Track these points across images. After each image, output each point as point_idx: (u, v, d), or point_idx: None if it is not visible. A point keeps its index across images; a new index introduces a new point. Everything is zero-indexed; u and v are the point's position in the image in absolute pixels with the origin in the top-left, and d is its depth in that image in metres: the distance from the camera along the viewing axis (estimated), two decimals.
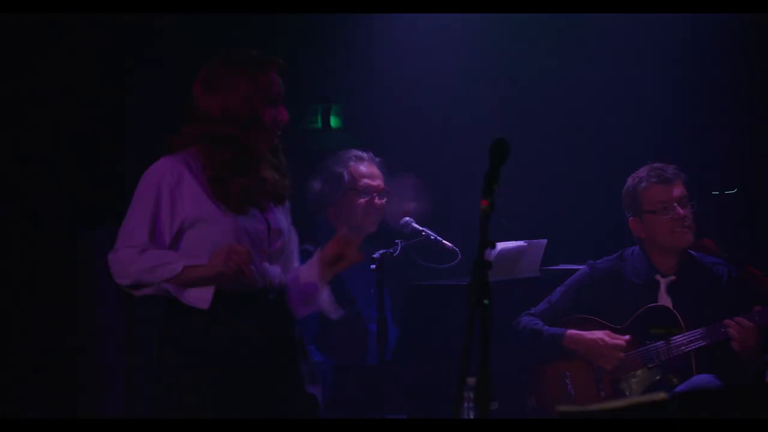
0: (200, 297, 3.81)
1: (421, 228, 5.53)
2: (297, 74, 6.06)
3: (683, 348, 4.83)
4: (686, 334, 4.82)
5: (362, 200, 5.45)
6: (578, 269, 5.23)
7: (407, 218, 5.58)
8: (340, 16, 5.79)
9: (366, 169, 5.49)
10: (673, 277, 5.01)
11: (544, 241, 5.60)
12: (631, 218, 5.04)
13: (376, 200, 5.49)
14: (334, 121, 6.46)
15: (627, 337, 4.93)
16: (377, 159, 5.55)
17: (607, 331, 4.96)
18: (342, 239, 3.97)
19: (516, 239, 5.50)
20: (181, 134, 3.90)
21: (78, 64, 5.32)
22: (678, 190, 4.96)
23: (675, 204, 4.94)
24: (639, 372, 4.94)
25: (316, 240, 5.26)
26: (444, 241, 5.50)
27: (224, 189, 3.82)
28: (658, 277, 5.02)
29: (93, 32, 5.28)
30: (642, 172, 5.04)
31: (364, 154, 5.52)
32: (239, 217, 3.85)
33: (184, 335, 3.85)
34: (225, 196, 3.81)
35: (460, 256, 5.48)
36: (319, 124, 6.47)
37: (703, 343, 4.80)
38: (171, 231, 3.81)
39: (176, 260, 3.76)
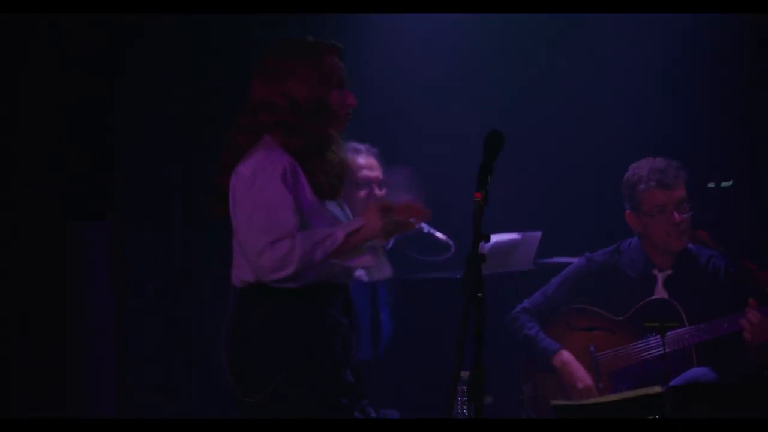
0: (366, 261, 3.74)
1: (413, 220, 5.52)
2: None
3: (682, 342, 4.83)
4: (686, 328, 4.83)
5: (362, 192, 5.45)
6: (573, 262, 5.23)
7: None
8: (331, 23, 5.79)
9: (364, 160, 5.48)
10: (669, 272, 5.01)
11: (539, 234, 5.61)
12: (628, 211, 5.05)
13: (376, 191, 5.49)
14: None
15: (601, 386, 4.95)
16: (374, 150, 5.54)
17: (591, 386, 4.94)
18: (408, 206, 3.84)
19: (510, 232, 5.51)
20: (246, 126, 3.77)
21: (68, 58, 5.32)
22: (677, 194, 4.94)
23: (673, 209, 4.93)
24: (637, 365, 4.95)
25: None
26: (437, 233, 5.50)
27: (316, 179, 3.73)
28: (655, 271, 5.03)
29: (83, 26, 5.27)
30: (643, 168, 4.99)
31: (361, 146, 5.51)
32: (329, 205, 3.79)
33: (289, 326, 3.70)
34: (318, 186, 3.73)
35: (453, 249, 5.49)
36: None
37: (704, 338, 4.80)
38: (300, 219, 3.71)
39: (334, 232, 3.66)
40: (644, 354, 4.93)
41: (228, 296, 3.77)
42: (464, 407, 3.93)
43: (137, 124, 5.56)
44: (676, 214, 4.92)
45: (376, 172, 5.48)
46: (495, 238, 5.22)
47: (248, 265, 3.67)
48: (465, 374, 3.28)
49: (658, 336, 4.81)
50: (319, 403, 3.65)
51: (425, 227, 5.51)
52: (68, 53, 5.32)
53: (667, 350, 4.64)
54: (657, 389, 4.07)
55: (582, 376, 4.95)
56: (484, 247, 3.33)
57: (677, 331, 4.82)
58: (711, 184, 5.55)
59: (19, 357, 5.13)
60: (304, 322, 3.69)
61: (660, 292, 4.98)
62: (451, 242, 5.51)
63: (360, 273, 4.11)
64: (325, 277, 3.70)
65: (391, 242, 5.21)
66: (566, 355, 4.99)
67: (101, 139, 5.43)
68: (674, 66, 5.93)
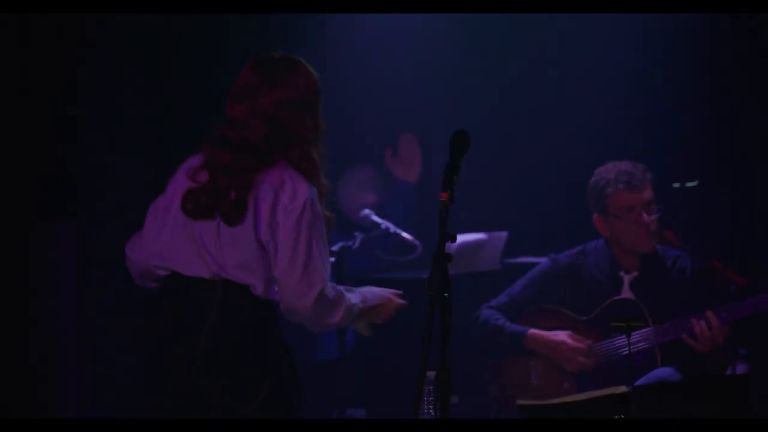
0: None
1: (380, 221, 5.53)
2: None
3: (646, 342, 4.86)
4: (650, 328, 4.86)
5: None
6: (539, 262, 5.25)
7: (366, 210, 5.58)
8: (302, 16, 5.77)
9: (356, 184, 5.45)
10: (636, 273, 5.04)
11: (505, 234, 5.63)
12: (596, 215, 5.05)
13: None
14: None
15: (589, 341, 4.97)
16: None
17: (570, 333, 5.00)
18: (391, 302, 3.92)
19: (476, 231, 5.52)
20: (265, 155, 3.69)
21: (30, 53, 5.29)
22: (645, 196, 4.95)
23: (641, 210, 4.95)
24: (602, 365, 4.97)
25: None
26: (404, 233, 5.50)
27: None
28: (621, 273, 5.05)
29: (44, 21, 5.24)
30: (610, 172, 5.00)
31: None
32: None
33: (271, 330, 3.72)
34: (327, 221, 3.74)
35: (420, 249, 5.50)
36: None
37: (667, 338, 4.83)
38: None
39: (354, 294, 3.73)
40: (609, 354, 4.96)
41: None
42: (430, 407, 3.93)
43: (99, 122, 5.54)
44: (644, 215, 4.94)
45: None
46: (461, 237, 5.23)
47: (288, 298, 3.62)
48: (431, 374, 3.29)
49: (623, 336, 4.84)
50: (299, 405, 3.70)
51: (392, 227, 5.51)
52: (30, 49, 5.28)
53: (633, 350, 4.67)
54: (623, 389, 4.09)
55: (561, 337, 4.96)
56: (451, 247, 3.34)
57: (641, 331, 4.85)
58: (676, 185, 5.59)
59: None
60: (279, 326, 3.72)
61: (627, 294, 5.00)
62: (417, 242, 5.52)
63: None
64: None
65: (358, 241, 5.24)
66: (536, 332, 5.01)
67: (67, 137, 5.40)
68: (642, 67, 5.96)
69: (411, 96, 6.12)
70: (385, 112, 6.14)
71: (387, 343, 5.24)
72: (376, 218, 5.53)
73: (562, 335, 4.99)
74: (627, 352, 4.81)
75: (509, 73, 6.12)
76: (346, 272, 5.06)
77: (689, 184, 5.65)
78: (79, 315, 5.21)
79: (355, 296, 3.72)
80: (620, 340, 4.92)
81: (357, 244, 5.29)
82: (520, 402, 4.35)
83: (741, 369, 4.87)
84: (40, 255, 5.25)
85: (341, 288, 3.68)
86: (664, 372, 4.77)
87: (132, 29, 5.56)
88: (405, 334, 5.01)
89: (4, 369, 5.11)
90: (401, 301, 3.83)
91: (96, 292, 5.39)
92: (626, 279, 5.03)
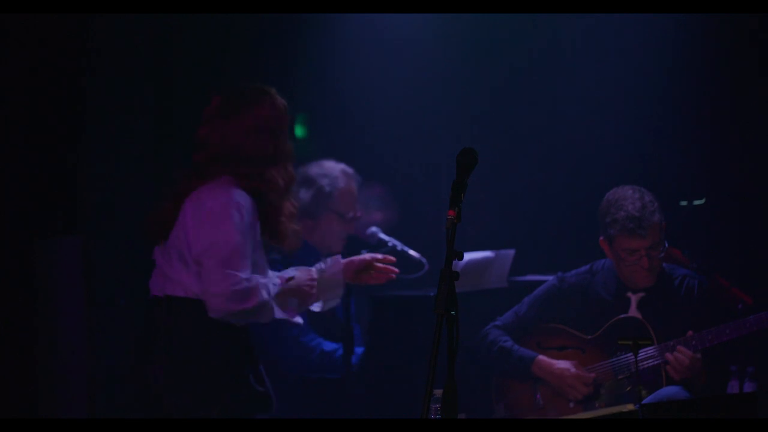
0: (291, 312, 4.17)
1: (387, 238, 5.56)
2: (261, 83, 6.11)
3: (652, 360, 4.87)
4: (655, 346, 4.87)
5: (340, 227, 5.45)
6: (546, 281, 5.25)
7: (374, 228, 5.60)
8: (304, 26, 5.80)
9: (350, 192, 5.48)
10: (642, 293, 5.05)
11: (512, 252, 5.64)
12: (602, 239, 5.05)
13: (353, 226, 5.50)
14: (299, 131, 6.47)
15: (593, 375, 5.00)
16: (359, 177, 5.56)
17: (576, 362, 5.02)
18: (372, 258, 4.31)
19: (483, 249, 5.53)
20: (202, 165, 4.10)
21: (32, 68, 5.30)
22: (650, 241, 4.91)
23: (644, 254, 4.95)
24: (609, 383, 4.98)
25: (281, 250, 5.26)
26: (410, 251, 5.53)
27: (279, 236, 4.08)
28: (629, 293, 5.05)
29: (46, 34, 5.26)
30: (619, 210, 4.90)
31: (351, 171, 5.52)
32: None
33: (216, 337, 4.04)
34: (281, 233, 4.10)
35: (426, 267, 5.52)
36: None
37: (652, 363, 4.86)
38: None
39: (274, 280, 4.07)
40: (615, 372, 4.97)
41: None
42: None
43: (105, 140, 5.56)
44: (645, 260, 4.92)
45: (356, 207, 5.53)
46: (468, 255, 5.25)
47: (205, 292, 3.97)
48: (438, 392, 3.31)
49: (629, 354, 4.84)
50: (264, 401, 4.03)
51: (399, 245, 5.53)
52: (32, 64, 5.30)
53: (637, 369, 4.68)
54: (630, 407, 4.10)
55: (566, 365, 4.99)
56: (458, 265, 3.37)
57: (645, 349, 4.86)
58: (684, 202, 5.58)
59: None
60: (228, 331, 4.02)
61: (634, 313, 5.01)
62: (424, 260, 5.54)
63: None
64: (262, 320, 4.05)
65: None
66: (544, 360, 5.03)
67: (71, 154, 5.42)
68: (650, 80, 5.95)
69: (421, 113, 6.13)
70: (394, 131, 6.16)
71: (393, 361, 5.25)
72: (383, 236, 5.56)
73: (567, 363, 5.01)
74: (633, 370, 4.82)
75: (517, 88, 6.12)
76: (354, 289, 5.08)
77: (696, 202, 5.65)
78: (84, 329, 5.24)
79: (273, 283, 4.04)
80: (626, 359, 4.93)
81: None
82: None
83: (749, 387, 4.87)
84: (44, 271, 5.28)
85: (259, 278, 3.97)
86: (671, 390, 4.78)
87: (137, 41, 5.58)
88: (411, 352, 5.03)
89: (10, 388, 5.14)
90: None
91: (100, 307, 5.41)
92: (633, 299, 5.04)
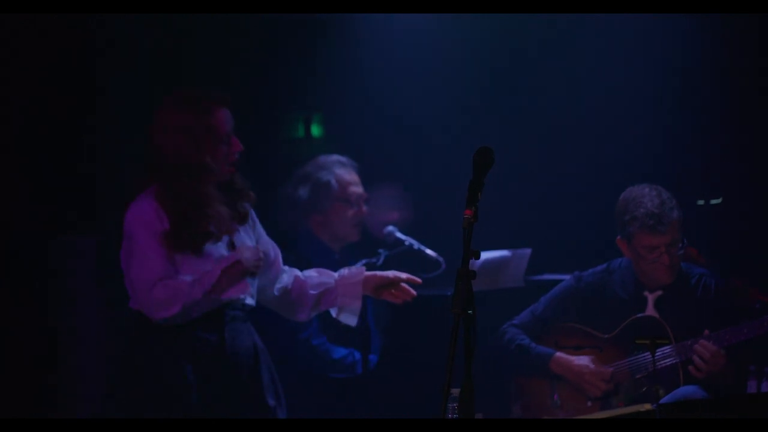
0: (239, 289, 4.13)
1: (404, 237, 5.57)
2: (278, 83, 6.12)
3: (669, 360, 4.87)
4: (673, 345, 4.87)
5: (351, 211, 5.46)
6: (563, 279, 5.26)
7: (390, 227, 5.61)
8: (321, 25, 5.80)
9: (350, 176, 5.51)
10: (660, 292, 5.05)
11: (529, 251, 5.64)
12: (619, 238, 5.05)
13: (363, 209, 5.51)
14: (315, 130, 6.47)
15: (610, 369, 5.00)
16: (355, 164, 5.57)
17: (593, 358, 5.02)
18: (395, 278, 4.32)
19: (500, 248, 5.53)
20: (143, 177, 4.18)
21: (49, 65, 5.33)
22: (670, 238, 4.92)
23: (664, 251, 4.95)
24: (626, 383, 4.98)
25: (296, 251, 5.28)
26: (427, 250, 5.54)
27: (181, 242, 4.07)
28: (645, 292, 5.06)
29: (64, 33, 5.30)
30: (637, 208, 4.92)
31: (344, 159, 5.54)
32: (211, 248, 4.13)
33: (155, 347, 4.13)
34: (183, 246, 4.08)
35: (443, 266, 5.52)
36: (301, 133, 6.49)
37: (669, 362, 4.85)
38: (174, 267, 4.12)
39: (210, 269, 4.07)
40: (632, 372, 4.97)
41: None
42: None
43: (119, 138, 5.57)
44: (666, 257, 4.93)
45: (361, 189, 5.52)
46: (485, 254, 5.26)
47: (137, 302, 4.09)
48: (455, 391, 3.31)
49: (646, 353, 4.85)
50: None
51: (415, 244, 5.53)
52: (50, 64, 5.34)
53: (654, 368, 4.68)
54: (648, 406, 4.10)
55: (584, 362, 4.99)
56: (474, 264, 3.37)
57: (662, 349, 4.86)
58: (701, 201, 5.57)
59: (3, 371, 5.15)
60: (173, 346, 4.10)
61: (651, 313, 5.01)
62: (441, 259, 5.54)
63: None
64: (206, 311, 4.08)
65: (382, 258, 5.28)
66: (562, 356, 5.04)
67: (82, 153, 5.44)
68: (667, 79, 5.94)
69: (436, 112, 6.13)
70: (408, 130, 6.16)
71: (410, 360, 5.25)
72: (400, 235, 5.56)
73: (585, 359, 5.02)
74: (650, 369, 4.83)
75: (532, 84, 6.12)
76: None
77: (713, 201, 5.64)
78: (100, 328, 5.27)
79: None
80: (643, 358, 4.93)
81: (381, 261, 5.32)
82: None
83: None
84: (60, 270, 5.32)
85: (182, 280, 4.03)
86: (688, 390, 4.77)
87: (153, 43, 5.60)
88: (428, 352, 5.03)
89: (25, 387, 5.16)
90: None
91: (116, 306, 5.43)
92: (650, 298, 5.05)
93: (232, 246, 4.16)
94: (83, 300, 5.35)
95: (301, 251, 5.33)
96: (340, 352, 5.36)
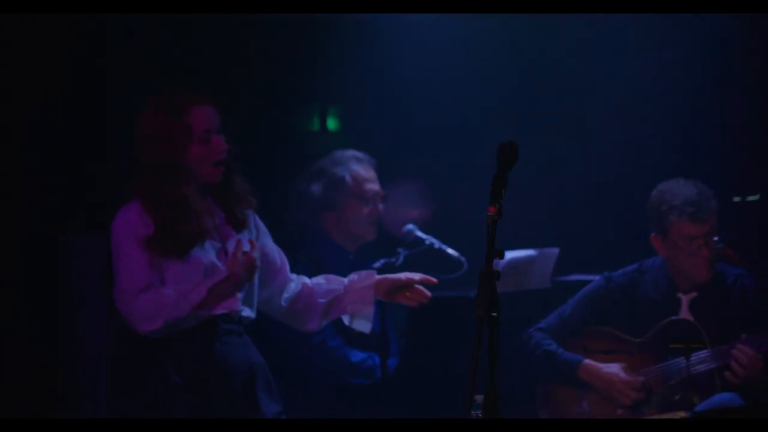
0: (229, 304, 4.09)
1: (424, 236, 5.56)
2: (293, 76, 6.11)
3: (704, 365, 4.82)
4: (708, 350, 4.82)
5: (366, 209, 5.44)
6: (592, 280, 5.23)
7: (410, 226, 5.59)
8: (338, 16, 5.79)
9: (366, 172, 5.49)
10: (694, 293, 5.01)
11: (556, 250, 5.61)
12: (654, 235, 5.02)
13: (379, 207, 5.49)
14: (332, 124, 6.46)
15: (641, 378, 4.96)
16: (373, 160, 5.55)
17: (624, 365, 4.98)
18: (408, 280, 4.25)
19: (526, 247, 5.50)
20: (130, 184, 4.17)
21: (58, 64, 5.37)
22: (708, 226, 4.92)
23: (702, 242, 4.92)
24: (658, 390, 4.94)
25: (308, 251, 5.25)
26: (449, 249, 5.52)
27: (165, 246, 4.04)
28: (679, 294, 5.02)
29: (74, 29, 5.33)
30: (675, 197, 4.94)
31: (361, 155, 5.52)
32: (197, 252, 4.09)
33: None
34: (167, 251, 4.05)
35: (466, 266, 5.50)
36: (317, 127, 6.48)
37: (703, 368, 4.81)
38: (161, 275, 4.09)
39: (197, 285, 4.03)
40: (665, 378, 4.93)
41: None
42: None
43: (128, 137, 5.60)
44: (705, 249, 4.90)
45: (378, 186, 5.50)
46: (510, 254, 5.22)
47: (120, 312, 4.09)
48: (479, 398, 3.28)
49: (680, 358, 4.80)
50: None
51: (436, 243, 5.51)
52: (58, 62, 5.38)
53: (688, 374, 4.64)
54: (682, 414, 4.06)
55: (614, 370, 4.95)
56: (499, 264, 3.34)
57: (698, 353, 4.81)
58: (737, 198, 5.54)
59: (9, 372, 5.22)
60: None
61: (685, 315, 4.99)
62: (463, 259, 5.52)
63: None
64: (191, 325, 4.07)
65: (402, 258, 5.25)
66: (590, 364, 5.00)
67: (92, 152, 5.48)
68: (699, 74, 5.93)
69: (458, 106, 6.12)
70: (428, 124, 6.14)
71: (431, 365, 5.23)
72: (420, 234, 5.55)
73: (615, 368, 4.97)
74: (685, 375, 4.78)
75: (559, 81, 6.11)
76: None
77: (750, 198, 5.60)
78: (106, 328, 5.32)
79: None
80: (677, 363, 4.89)
81: (400, 261, 5.30)
82: None
83: None
84: (68, 269, 5.37)
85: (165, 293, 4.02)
86: (725, 397, 4.73)
87: (162, 41, 5.61)
88: (451, 356, 5.01)
89: (30, 387, 5.22)
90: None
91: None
92: (685, 300, 5.01)
93: (225, 253, 4.11)
94: (90, 300, 5.40)
95: (313, 252, 5.32)
96: (357, 355, 5.34)
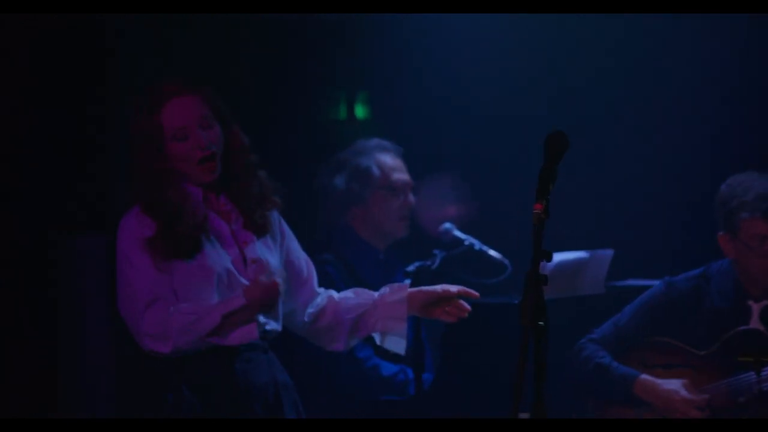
0: (245, 333, 4.04)
1: (463, 236, 5.56)
2: (316, 58, 6.13)
3: None
4: None
5: (396, 201, 5.46)
6: (651, 286, 5.21)
7: (447, 225, 5.60)
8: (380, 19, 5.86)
9: (393, 161, 5.52)
10: (767, 301, 4.98)
11: (611, 252, 5.60)
12: (721, 234, 5.00)
13: (410, 199, 5.51)
14: (360, 111, 6.48)
15: (706, 396, 4.95)
16: (401, 149, 5.56)
17: (686, 381, 4.97)
18: (445, 293, 4.16)
19: (576, 249, 5.50)
20: (129, 187, 4.20)
21: (59, 62, 5.48)
22: None
23: None
24: (726, 407, 4.93)
25: (334, 252, 5.27)
26: (491, 251, 5.52)
27: (165, 248, 4.03)
28: (750, 302, 5.00)
29: (73, 30, 5.47)
30: (747, 192, 4.91)
31: (387, 143, 5.54)
32: (196, 261, 4.06)
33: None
34: (169, 253, 4.04)
35: (509, 269, 5.50)
36: (343, 115, 6.50)
37: None
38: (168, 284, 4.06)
39: (210, 310, 3.98)
40: (733, 394, 4.92)
41: None
42: None
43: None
44: None
45: (407, 176, 5.51)
46: (558, 256, 5.23)
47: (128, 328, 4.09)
48: (524, 416, 3.28)
49: (750, 373, 4.79)
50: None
51: (477, 244, 5.52)
52: (60, 59, 5.54)
53: (759, 390, 4.61)
54: None
55: (674, 386, 4.95)
56: (546, 267, 3.34)
57: None
58: None
59: (10, 374, 5.40)
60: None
61: (756, 325, 4.97)
62: (506, 261, 5.53)
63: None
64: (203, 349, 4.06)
65: (438, 261, 5.26)
66: (648, 380, 4.99)
67: (94, 151, 5.56)
68: (743, 64, 5.94)
69: (501, 95, 6.13)
70: (468, 114, 6.15)
71: (472, 379, 5.24)
72: (458, 233, 5.55)
73: (676, 385, 4.97)
74: (755, 391, 4.77)
75: (614, 69, 6.12)
76: None
77: None
78: (110, 329, 5.45)
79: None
80: (747, 378, 4.88)
81: (436, 263, 5.30)
82: None
83: None
84: (71, 269, 5.51)
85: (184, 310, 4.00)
86: None
87: (164, 39, 5.67)
88: (492, 370, 5.02)
89: (31, 391, 5.41)
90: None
91: None
92: (756, 308, 4.99)
93: (243, 261, 4.09)
94: (90, 300, 5.56)
95: (339, 252, 5.33)
96: (389, 368, 5.35)
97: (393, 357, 5.32)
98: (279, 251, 4.21)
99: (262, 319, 4.06)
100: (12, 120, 5.44)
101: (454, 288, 4.17)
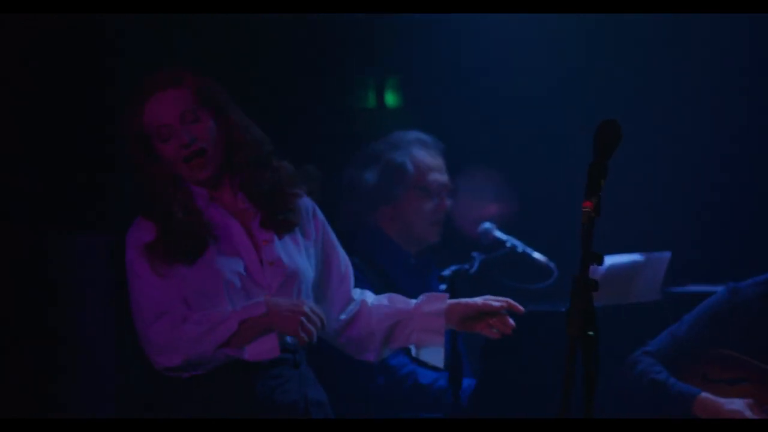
0: (266, 348, 4.02)
1: (504, 237, 5.56)
2: (343, 42, 6.15)
3: None
4: None
5: (429, 203, 5.46)
6: (714, 292, 5.21)
7: (487, 225, 5.61)
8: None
9: (432, 159, 5.50)
10: None
11: (668, 255, 5.60)
12: None
13: (446, 203, 5.50)
14: (390, 99, 6.49)
15: None
16: (442, 146, 5.55)
17: (751, 401, 4.96)
18: (486, 306, 4.16)
19: (630, 252, 5.51)
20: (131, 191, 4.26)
21: (60, 60, 5.58)
22: None
23: None
24: None
25: (360, 252, 5.28)
26: (535, 253, 5.53)
27: (167, 250, 4.07)
28: None
29: (76, 27, 5.55)
30: None
31: (427, 138, 5.52)
32: (200, 264, 4.07)
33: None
34: (172, 256, 4.07)
35: (556, 273, 5.51)
36: (372, 103, 6.51)
37: None
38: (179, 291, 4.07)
39: (225, 317, 3.98)
40: None
41: None
42: None
43: None
44: None
45: (446, 177, 5.49)
46: (610, 259, 5.22)
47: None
48: None
49: None
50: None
51: (519, 246, 5.52)
52: (58, 55, 5.65)
53: None
54: None
55: (738, 407, 4.95)
56: (597, 272, 3.35)
57: None
58: None
59: (7, 378, 5.53)
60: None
61: None
62: (552, 265, 5.54)
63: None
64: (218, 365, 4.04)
65: (477, 264, 5.27)
66: (709, 399, 4.99)
67: (93, 148, 5.64)
68: None
69: (539, 84, 6.15)
70: (515, 97, 6.17)
71: (514, 394, 5.26)
72: (499, 234, 5.55)
73: (740, 405, 4.96)
74: None
75: (679, 60, 6.13)
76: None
77: None
78: (111, 329, 5.57)
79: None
80: None
81: (475, 267, 5.29)
82: None
83: None
84: (72, 269, 5.64)
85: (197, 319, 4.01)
86: None
87: (168, 35, 5.72)
88: (538, 382, 5.03)
89: (30, 395, 5.56)
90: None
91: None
92: None
93: (260, 263, 4.09)
94: (90, 299, 5.72)
95: (367, 253, 5.32)
96: (427, 375, 5.35)
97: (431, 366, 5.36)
98: (313, 247, 4.21)
99: (271, 357, 4.05)
100: (12, 120, 5.58)
101: (495, 302, 4.15)
